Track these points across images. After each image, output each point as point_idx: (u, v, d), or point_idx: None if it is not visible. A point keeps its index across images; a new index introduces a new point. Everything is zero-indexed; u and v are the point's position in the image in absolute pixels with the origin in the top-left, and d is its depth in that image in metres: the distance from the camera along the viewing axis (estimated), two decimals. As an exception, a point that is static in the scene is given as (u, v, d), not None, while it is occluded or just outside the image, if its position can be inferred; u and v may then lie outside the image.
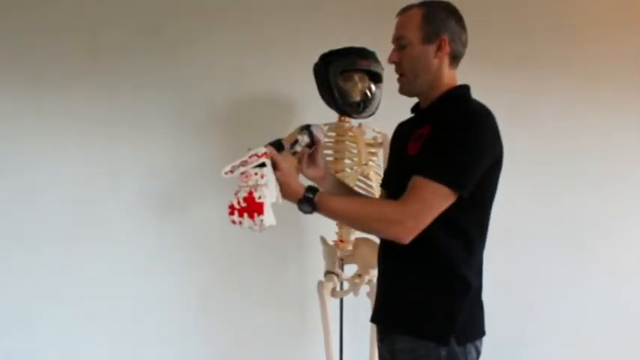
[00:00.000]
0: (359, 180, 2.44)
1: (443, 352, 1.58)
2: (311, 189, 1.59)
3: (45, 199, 2.67)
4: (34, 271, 2.67)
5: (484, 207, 1.64)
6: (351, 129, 2.52)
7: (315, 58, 2.48)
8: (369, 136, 2.56)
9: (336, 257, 2.54)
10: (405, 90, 1.72)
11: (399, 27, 1.69)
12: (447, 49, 1.65)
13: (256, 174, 1.51)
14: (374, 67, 2.43)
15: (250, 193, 1.49)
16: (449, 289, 1.61)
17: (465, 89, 1.71)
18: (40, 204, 2.59)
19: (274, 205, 1.52)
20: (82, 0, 2.76)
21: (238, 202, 1.50)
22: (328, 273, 2.54)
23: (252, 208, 1.49)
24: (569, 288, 3.03)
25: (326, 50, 2.46)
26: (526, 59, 3.01)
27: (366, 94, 2.44)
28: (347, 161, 2.49)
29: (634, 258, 3.10)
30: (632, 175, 3.10)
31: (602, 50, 3.07)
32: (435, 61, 1.66)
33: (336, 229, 2.54)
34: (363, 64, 2.41)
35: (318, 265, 2.61)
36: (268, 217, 1.49)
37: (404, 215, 1.53)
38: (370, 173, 2.47)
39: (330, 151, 2.48)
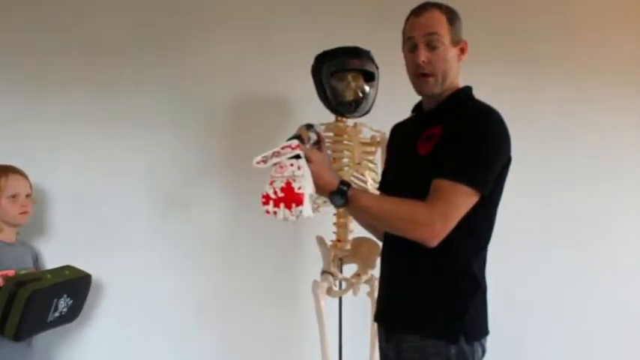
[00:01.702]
0: (354, 177, 2.44)
1: (452, 351, 1.59)
2: (345, 182, 1.60)
3: (44, 199, 2.66)
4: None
5: (493, 205, 1.66)
6: (346, 128, 2.52)
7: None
8: (366, 135, 2.56)
9: (331, 257, 2.53)
10: (429, 90, 1.70)
11: (430, 25, 1.66)
12: (467, 53, 1.71)
13: (292, 165, 1.49)
14: (366, 66, 2.43)
15: (289, 183, 1.47)
16: (459, 287, 1.62)
17: (470, 90, 1.73)
18: (39, 204, 2.58)
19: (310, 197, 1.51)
20: (81, 0, 2.76)
21: (275, 192, 1.47)
22: (324, 273, 2.54)
23: (290, 198, 1.46)
24: (569, 288, 3.02)
25: (325, 50, 2.46)
26: (525, 58, 3.01)
27: (358, 93, 2.43)
28: (345, 160, 2.49)
29: (634, 258, 3.09)
30: (633, 174, 3.09)
31: (601, 50, 3.06)
32: (458, 64, 1.71)
33: (334, 228, 2.54)
34: (355, 63, 2.41)
35: (318, 264, 2.61)
36: (307, 209, 1.47)
37: (432, 218, 1.53)
38: (365, 172, 2.46)
39: (328, 151, 2.47)
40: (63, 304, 2.31)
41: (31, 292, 2.12)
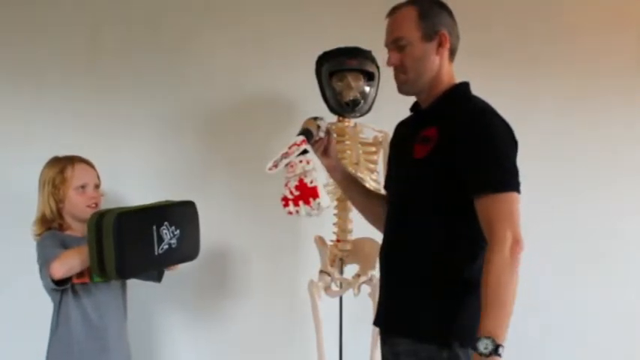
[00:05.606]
0: (352, 176, 2.45)
1: (445, 355, 1.57)
2: None
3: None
4: (33, 270, 2.66)
5: None
6: (346, 129, 2.52)
7: (316, 58, 2.49)
8: (369, 135, 2.56)
9: (327, 257, 2.54)
10: (406, 90, 1.71)
11: (395, 28, 1.67)
12: (447, 44, 1.65)
13: (301, 161, 1.56)
14: (365, 66, 2.42)
15: (301, 180, 1.54)
16: (451, 291, 1.61)
17: (466, 86, 1.70)
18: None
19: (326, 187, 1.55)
20: (82, 0, 2.76)
21: (291, 192, 1.54)
22: (321, 272, 2.54)
23: (306, 193, 1.52)
24: (569, 289, 3.00)
25: (327, 50, 2.46)
26: (525, 58, 3.00)
27: (356, 93, 2.43)
28: (346, 160, 2.49)
29: (636, 258, 3.09)
30: (633, 174, 3.08)
31: (602, 49, 3.05)
32: (437, 58, 1.66)
33: (334, 228, 2.54)
34: (353, 63, 2.41)
35: (318, 264, 2.61)
36: (324, 199, 1.53)
37: (505, 244, 1.50)
38: (364, 172, 2.46)
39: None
40: (168, 234, 2.04)
41: (115, 215, 1.87)
